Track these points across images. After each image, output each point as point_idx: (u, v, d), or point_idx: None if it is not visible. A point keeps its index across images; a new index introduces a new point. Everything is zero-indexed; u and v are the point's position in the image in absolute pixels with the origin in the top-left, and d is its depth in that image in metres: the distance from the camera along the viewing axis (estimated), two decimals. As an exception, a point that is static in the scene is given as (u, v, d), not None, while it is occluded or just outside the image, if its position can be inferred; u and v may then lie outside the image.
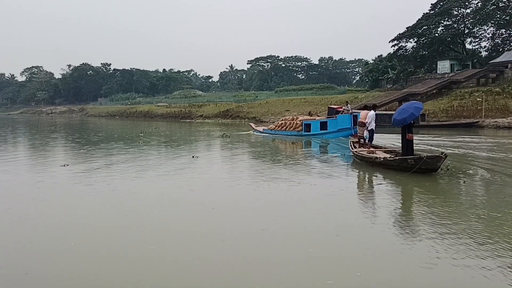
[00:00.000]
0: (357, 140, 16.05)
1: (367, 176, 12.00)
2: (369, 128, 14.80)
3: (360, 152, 14.04)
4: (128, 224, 7.24)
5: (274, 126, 27.14)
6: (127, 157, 16.40)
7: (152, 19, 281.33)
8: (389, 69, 62.36)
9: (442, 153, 11.26)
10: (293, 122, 25.59)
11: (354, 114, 22.35)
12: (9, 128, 42.81)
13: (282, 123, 26.53)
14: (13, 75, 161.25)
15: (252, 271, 5.23)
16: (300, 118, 25.99)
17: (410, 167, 11.21)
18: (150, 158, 16.37)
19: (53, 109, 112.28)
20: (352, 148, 15.15)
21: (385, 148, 15.14)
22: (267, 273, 5.14)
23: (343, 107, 26.65)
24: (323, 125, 23.70)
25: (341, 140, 21.55)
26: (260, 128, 28.92)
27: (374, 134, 15.23)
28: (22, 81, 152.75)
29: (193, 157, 15.79)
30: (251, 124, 33.18)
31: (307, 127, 24.32)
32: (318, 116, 27.01)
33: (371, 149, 14.51)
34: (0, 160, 16.10)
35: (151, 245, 6.09)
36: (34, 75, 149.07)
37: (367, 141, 15.08)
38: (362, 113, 15.70)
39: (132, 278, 5.05)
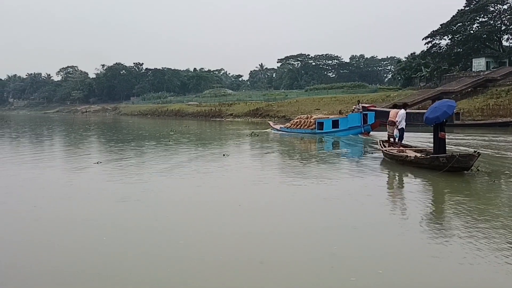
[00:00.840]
0: (369, 136, 15.95)
1: (398, 174, 11.84)
2: (399, 127, 14.67)
3: (390, 150, 13.90)
4: (157, 220, 7.36)
5: (290, 125, 28.09)
6: (158, 155, 16.69)
7: (183, 21, 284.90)
8: (423, 67, 61.06)
9: (475, 151, 11.02)
10: (308, 121, 26.64)
11: (364, 113, 24.24)
12: (46, 126, 44.06)
13: (297, 122, 27.55)
14: (49, 74, 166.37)
15: (277, 267, 5.21)
16: (314, 117, 27.16)
17: (442, 166, 11.01)
18: (181, 156, 16.56)
19: (88, 108, 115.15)
20: (382, 147, 15.01)
21: (415, 147, 14.93)
22: (292, 269, 5.13)
23: (354, 106, 27.98)
24: (335, 124, 24.80)
25: (351, 138, 22.56)
26: (277, 126, 29.75)
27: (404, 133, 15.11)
28: (58, 81, 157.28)
29: (223, 155, 15.88)
30: (270, 122, 34.09)
31: (320, 125, 25.30)
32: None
33: (401, 148, 14.34)
34: (37, 157, 16.63)
35: (179, 240, 6.19)
36: (69, 75, 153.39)
37: (397, 140, 14.94)
38: (392, 112, 15.60)
39: (160, 271, 5.12)
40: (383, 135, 17.76)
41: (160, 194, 9.35)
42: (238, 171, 12.78)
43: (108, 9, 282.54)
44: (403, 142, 15.04)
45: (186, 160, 15.19)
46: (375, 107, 37.76)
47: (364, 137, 22.81)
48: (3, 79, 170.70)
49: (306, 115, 28.65)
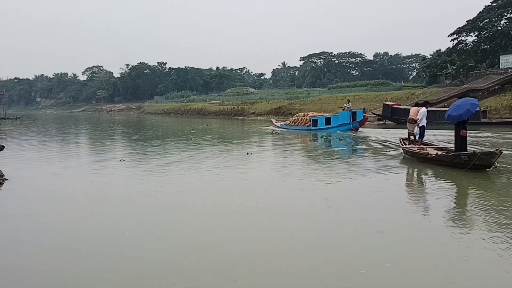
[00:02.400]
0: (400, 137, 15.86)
1: (419, 172, 11.75)
2: (420, 125, 14.65)
3: (410, 148, 13.83)
4: (178, 217, 7.45)
5: (289, 122, 30.48)
6: (180, 153, 16.84)
7: (207, 21, 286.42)
8: (448, 64, 59.87)
9: (496, 149, 10.84)
10: (304, 118, 29.02)
11: (353, 111, 26.59)
12: (72, 125, 44.93)
13: (295, 119, 29.93)
14: (75, 74, 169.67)
15: (290, 262, 5.20)
16: (310, 114, 29.48)
17: (463, 163, 10.97)
18: (203, 154, 16.66)
19: (112, 107, 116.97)
20: (402, 145, 14.97)
21: (435, 145, 14.80)
22: (306, 264, 5.12)
23: (345, 105, 30.26)
24: (327, 121, 27.05)
25: (338, 134, 24.67)
26: (278, 124, 32.00)
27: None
28: (83, 80, 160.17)
29: (247, 153, 15.90)
30: (272, 120, 36.65)
31: (315, 122, 27.67)
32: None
33: (421, 145, 14.26)
34: (64, 155, 17.05)
35: (196, 235, 6.23)
36: (94, 75, 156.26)
37: (417, 138, 14.88)
38: (413, 110, 15.57)
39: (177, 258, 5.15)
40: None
41: (182, 192, 9.43)
42: (264, 171, 12.75)
43: (133, 10, 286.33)
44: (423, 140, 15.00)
45: (209, 157, 15.30)
46: (400, 105, 37.34)
47: (353, 134, 24.76)
48: (31, 79, 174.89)
49: (303, 113, 31.18)
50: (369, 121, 40.35)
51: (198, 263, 5.31)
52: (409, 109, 17.42)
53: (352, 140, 21.33)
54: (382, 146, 18.07)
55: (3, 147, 18.09)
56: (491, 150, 10.97)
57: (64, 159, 15.40)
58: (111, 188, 10.05)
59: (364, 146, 18.78)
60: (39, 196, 9.20)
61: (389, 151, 16.29)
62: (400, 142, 15.57)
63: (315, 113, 30.80)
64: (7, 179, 10.58)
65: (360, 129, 26.35)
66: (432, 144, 14.86)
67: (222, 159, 14.77)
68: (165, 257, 5.54)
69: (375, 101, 47.98)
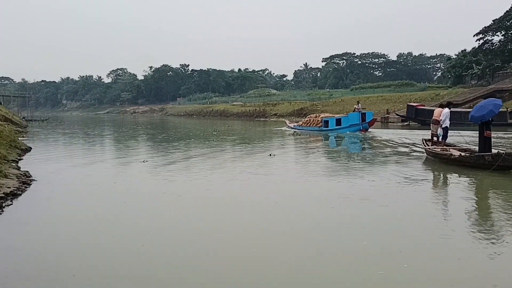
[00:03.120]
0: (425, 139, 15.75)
1: (443, 173, 11.68)
2: (443, 126, 14.55)
3: (433, 149, 13.76)
4: (198, 217, 7.51)
5: (302, 123, 31.54)
6: (202, 154, 17.00)
7: (228, 22, 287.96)
8: (474, 64, 58.79)
9: None
10: (316, 119, 30.06)
11: (363, 112, 27.21)
12: (97, 127, 45.71)
13: (307, 120, 31.10)
14: (100, 77, 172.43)
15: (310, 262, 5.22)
16: (322, 116, 30.68)
17: (487, 164, 10.89)
18: (225, 155, 16.80)
19: (136, 109, 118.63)
20: (425, 146, 14.89)
21: (459, 146, 14.66)
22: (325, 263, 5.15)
23: (355, 106, 31.00)
24: (338, 122, 27.87)
25: (347, 134, 25.59)
26: (292, 125, 32.90)
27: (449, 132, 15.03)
28: (108, 83, 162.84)
29: (270, 155, 15.89)
30: (286, 121, 37.72)
31: (326, 123, 28.53)
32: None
33: (445, 147, 14.19)
34: (89, 156, 17.44)
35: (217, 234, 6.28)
36: (119, 77, 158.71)
37: (440, 139, 14.79)
38: (436, 110, 15.50)
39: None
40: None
41: (205, 192, 9.52)
42: (287, 170, 12.75)
43: (155, 12, 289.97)
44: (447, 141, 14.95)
45: (232, 158, 15.40)
46: (424, 106, 36.83)
47: (363, 134, 25.45)
48: (57, 81, 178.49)
49: (315, 115, 32.58)
50: (392, 122, 39.97)
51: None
52: (434, 110, 17.24)
53: (363, 140, 21.64)
54: (406, 149, 17.87)
55: (31, 148, 18.51)
56: None
57: (89, 160, 15.68)
58: (136, 186, 10.19)
59: (383, 148, 18.61)
60: (66, 197, 9.38)
61: (411, 152, 16.13)
62: (423, 143, 15.47)
63: (327, 114, 32.25)
64: (34, 179, 10.83)
65: (369, 129, 27.06)
66: (455, 145, 14.75)
67: (244, 160, 14.86)
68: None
69: (398, 102, 47.45)
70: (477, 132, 12.25)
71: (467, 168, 11.53)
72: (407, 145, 18.98)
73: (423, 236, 6.22)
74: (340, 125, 27.41)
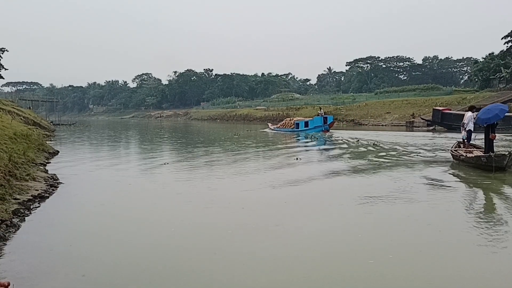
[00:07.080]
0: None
1: (455, 173, 12.19)
2: (466, 129, 14.93)
3: (454, 151, 14.50)
4: (215, 219, 7.50)
5: (279, 125, 37.87)
6: (224, 158, 17.11)
7: (252, 26, 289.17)
8: (502, 68, 57.48)
9: (509, 152, 11.46)
10: (290, 122, 36.76)
11: (324, 116, 34.54)
12: (123, 131, 46.44)
13: (284, 123, 37.75)
14: (125, 82, 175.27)
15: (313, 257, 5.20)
16: (295, 119, 37.80)
17: (484, 165, 11.73)
18: (248, 159, 16.84)
19: (161, 113, 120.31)
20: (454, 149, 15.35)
21: (482, 148, 14.68)
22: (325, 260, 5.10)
23: (318, 112, 37.25)
24: (306, 124, 34.67)
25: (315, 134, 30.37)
26: (272, 127, 38.91)
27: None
28: (133, 88, 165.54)
29: (296, 159, 15.94)
30: (268, 123, 43.34)
31: (297, 125, 34.92)
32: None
33: (469, 148, 14.70)
34: (114, 159, 17.72)
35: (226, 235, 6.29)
36: (144, 82, 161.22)
37: (465, 141, 15.31)
38: (465, 114, 15.83)
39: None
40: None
41: (222, 194, 9.56)
42: (309, 171, 12.71)
43: (181, 16, 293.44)
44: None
45: (253, 162, 15.45)
46: (450, 110, 36.24)
47: (326, 134, 30.70)
48: (84, 86, 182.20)
49: (290, 118, 40.63)
50: (417, 127, 39.41)
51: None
52: (460, 114, 17.17)
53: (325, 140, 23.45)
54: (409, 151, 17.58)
55: (58, 152, 18.90)
56: (502, 152, 11.80)
57: (115, 163, 15.92)
58: (162, 189, 10.33)
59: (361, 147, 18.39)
60: (92, 199, 9.52)
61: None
62: (453, 147, 15.78)
63: (299, 118, 39.52)
64: (62, 182, 11.04)
65: (330, 130, 33.31)
66: (479, 147, 15.00)
67: (267, 162, 14.89)
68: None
69: (424, 106, 46.79)
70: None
71: (476, 169, 12.14)
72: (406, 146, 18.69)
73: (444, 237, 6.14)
74: (308, 126, 33.90)
